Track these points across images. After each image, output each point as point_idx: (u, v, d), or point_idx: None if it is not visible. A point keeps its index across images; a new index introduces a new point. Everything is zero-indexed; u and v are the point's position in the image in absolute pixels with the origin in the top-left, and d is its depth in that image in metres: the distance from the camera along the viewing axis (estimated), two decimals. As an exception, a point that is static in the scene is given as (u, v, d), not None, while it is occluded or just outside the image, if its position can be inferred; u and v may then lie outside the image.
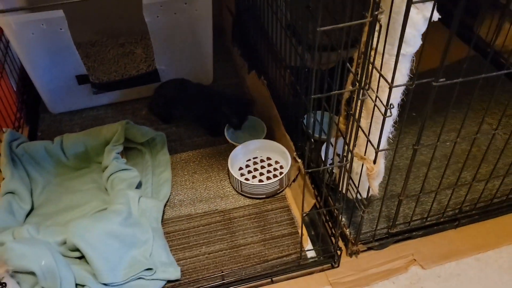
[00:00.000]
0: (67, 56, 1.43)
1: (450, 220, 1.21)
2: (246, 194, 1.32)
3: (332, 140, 1.08)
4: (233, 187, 1.35)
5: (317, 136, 1.31)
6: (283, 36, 1.32)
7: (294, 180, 1.35)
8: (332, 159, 1.15)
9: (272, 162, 1.40)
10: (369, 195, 1.05)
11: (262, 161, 1.40)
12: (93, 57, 1.78)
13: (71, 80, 1.51)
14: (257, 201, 1.31)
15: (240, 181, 1.29)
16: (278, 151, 1.39)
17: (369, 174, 0.96)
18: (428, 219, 1.18)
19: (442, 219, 1.19)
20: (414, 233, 1.20)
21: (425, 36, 0.82)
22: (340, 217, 1.11)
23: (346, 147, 0.97)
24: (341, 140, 1.01)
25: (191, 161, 1.43)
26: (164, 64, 1.57)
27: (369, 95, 0.88)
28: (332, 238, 1.16)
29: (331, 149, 1.09)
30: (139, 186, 1.29)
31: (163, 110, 1.55)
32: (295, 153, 1.34)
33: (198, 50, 1.60)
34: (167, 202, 1.30)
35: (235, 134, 1.50)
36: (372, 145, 0.94)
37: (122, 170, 1.26)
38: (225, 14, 1.96)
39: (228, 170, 1.38)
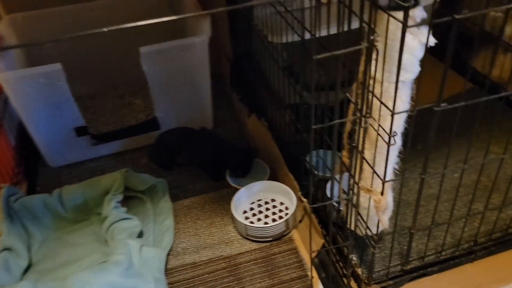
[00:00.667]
0: (65, 109, 1.43)
1: (465, 253, 1.16)
2: (252, 238, 1.27)
3: (337, 176, 1.05)
4: (238, 232, 1.31)
5: (321, 174, 1.28)
6: (281, 76, 1.32)
7: (300, 221, 1.31)
8: (338, 195, 1.12)
9: (277, 203, 1.36)
10: (379, 230, 1.01)
11: (266, 203, 1.37)
12: (92, 109, 1.79)
13: (70, 132, 1.50)
14: (264, 244, 1.26)
15: (245, 225, 1.25)
16: (282, 192, 1.35)
17: (377, 206, 0.92)
18: (443, 253, 1.12)
19: (457, 252, 1.14)
20: (429, 269, 1.14)
21: (423, 63, 0.81)
22: (350, 256, 1.06)
23: (351, 180, 0.94)
24: (346, 175, 0.99)
25: (194, 207, 1.40)
26: (163, 111, 1.57)
27: (371, 124, 0.86)
28: (344, 279, 1.11)
29: (336, 186, 1.06)
30: (140, 235, 1.25)
31: (166, 158, 1.53)
32: (299, 193, 1.31)
33: (196, 96, 1.60)
34: (170, 250, 1.25)
35: (237, 178, 1.47)
36: (379, 176, 0.91)
37: (123, 219, 1.22)
38: (223, 60, 1.99)
39: (232, 214, 1.34)
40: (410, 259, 1.10)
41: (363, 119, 0.83)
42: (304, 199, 1.28)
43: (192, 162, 1.52)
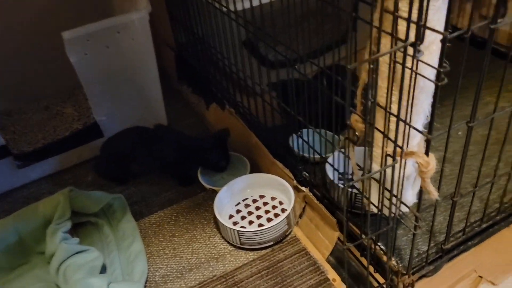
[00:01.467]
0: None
1: (503, 218, 0.98)
2: (248, 246, 1.01)
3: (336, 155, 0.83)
4: (228, 242, 1.04)
5: (314, 156, 1.05)
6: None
7: (301, 215, 1.07)
8: (350, 174, 0.89)
9: (267, 199, 1.11)
10: (418, 203, 0.80)
11: (255, 201, 1.11)
12: (11, 127, 1.43)
13: (-14, 156, 1.16)
14: (264, 251, 1.01)
15: (236, 231, 0.99)
16: (272, 184, 1.11)
17: (423, 172, 0.70)
18: (484, 219, 0.94)
19: (498, 217, 0.96)
20: (469, 243, 0.95)
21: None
22: (388, 244, 0.83)
23: (375, 148, 0.72)
24: (359, 149, 0.78)
25: (165, 223, 1.11)
26: (104, 114, 1.27)
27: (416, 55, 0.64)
28: (376, 275, 0.89)
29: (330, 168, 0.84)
30: (103, 270, 0.95)
31: (117, 169, 1.23)
32: (294, 181, 1.07)
33: (144, 91, 1.32)
34: (146, 282, 0.96)
35: (211, 178, 1.20)
36: (421, 132, 0.70)
37: (77, 253, 0.92)
38: (165, 51, 1.71)
39: (215, 222, 1.07)
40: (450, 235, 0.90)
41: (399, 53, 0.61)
42: (303, 188, 1.04)
43: (151, 169, 1.24)
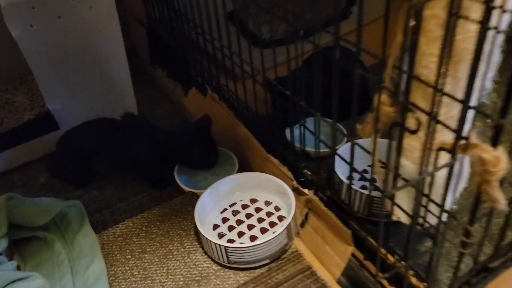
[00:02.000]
0: None
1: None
2: (238, 265, 0.80)
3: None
4: (213, 259, 0.83)
5: (318, 150, 0.84)
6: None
7: (303, 224, 0.86)
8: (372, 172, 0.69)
9: (260, 204, 0.90)
10: (472, 214, 0.60)
11: (245, 206, 0.90)
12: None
13: None
14: (258, 271, 0.80)
15: (223, 247, 0.78)
16: (266, 186, 0.90)
17: (491, 173, 0.50)
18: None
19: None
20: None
21: None
22: (431, 270, 0.64)
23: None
24: (381, 142, 0.58)
25: (134, 235, 0.90)
26: (60, 101, 1.04)
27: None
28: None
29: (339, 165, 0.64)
30: (52, 301, 0.73)
31: (76, 169, 1.01)
32: (294, 182, 0.86)
33: (108, 74, 1.09)
34: (108, 315, 0.75)
35: (191, 178, 0.99)
36: (486, 115, 0.50)
37: (14, 282, 0.69)
38: (135, 28, 1.48)
39: (197, 233, 0.86)
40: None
41: None
42: (306, 190, 0.84)
43: (118, 169, 1.01)
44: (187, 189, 0.94)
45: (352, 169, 0.71)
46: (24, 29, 0.91)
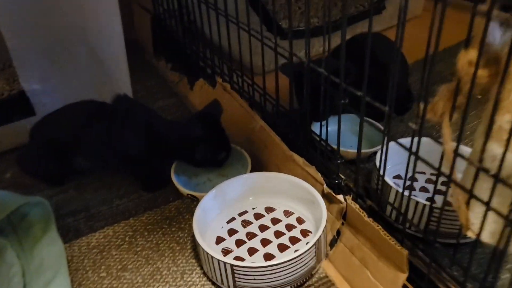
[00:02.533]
0: None
1: None
2: (247, 293, 0.60)
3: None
4: (214, 282, 0.62)
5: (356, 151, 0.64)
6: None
7: (333, 242, 0.66)
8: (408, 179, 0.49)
9: (278, 214, 0.70)
10: None
11: (259, 216, 0.70)
12: None
13: None
14: (274, 302, 0.59)
15: (229, 266, 0.57)
16: (288, 190, 0.70)
17: None
18: None
19: None
20: None
21: None
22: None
23: None
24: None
25: (113, 247, 0.69)
26: (38, 80, 0.86)
27: None
28: None
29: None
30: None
31: (52, 163, 0.81)
32: (325, 186, 0.66)
33: (100, 50, 0.91)
34: None
35: (191, 179, 0.79)
36: None
37: None
38: (139, 18, 1.31)
39: (195, 247, 0.66)
40: None
41: None
42: (341, 196, 0.63)
43: (103, 164, 0.82)
44: (185, 191, 0.74)
45: (417, 161, 0.51)
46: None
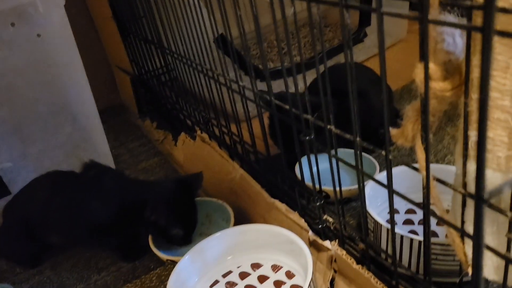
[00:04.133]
0: None
1: None
2: None
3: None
4: None
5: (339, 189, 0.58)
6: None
7: (329, 295, 0.58)
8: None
9: (266, 270, 0.63)
10: None
11: (244, 275, 0.63)
12: None
13: None
14: None
15: None
16: (273, 242, 0.63)
17: None
18: None
19: None
20: None
21: None
22: None
23: None
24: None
25: (89, 330, 0.63)
26: (9, 157, 0.83)
27: None
28: None
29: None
30: None
31: (25, 244, 0.76)
32: (310, 232, 0.59)
33: (72, 118, 0.88)
34: None
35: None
36: None
37: None
38: (121, 81, 1.30)
39: (174, 321, 0.59)
40: None
41: None
42: (328, 242, 0.57)
43: (76, 238, 0.76)
44: (165, 257, 0.68)
45: (392, 195, 0.44)
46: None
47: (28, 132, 0.84)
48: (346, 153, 0.62)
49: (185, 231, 0.68)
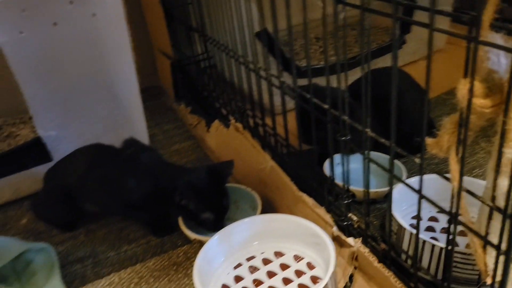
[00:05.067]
0: None
1: None
2: None
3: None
4: (217, 335, 0.59)
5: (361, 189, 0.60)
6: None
7: (346, 289, 0.61)
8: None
9: (288, 259, 0.66)
10: None
11: (267, 262, 0.66)
12: None
13: None
14: None
15: (230, 317, 0.54)
16: (297, 233, 0.66)
17: None
18: None
19: None
20: None
21: None
22: None
23: None
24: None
25: (117, 295, 0.67)
26: (54, 126, 0.88)
27: None
28: None
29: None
30: None
31: (63, 209, 0.81)
32: (334, 228, 0.62)
33: (114, 95, 0.93)
34: None
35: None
36: None
37: None
38: (161, 65, 1.34)
39: (198, 296, 0.63)
40: None
41: None
42: (351, 239, 0.59)
43: (111, 210, 0.81)
44: (192, 236, 0.72)
45: (421, 200, 0.47)
46: (12, 35, 0.77)
47: (73, 105, 0.88)
48: (375, 156, 0.64)
49: (215, 216, 0.71)
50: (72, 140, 0.90)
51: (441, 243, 0.55)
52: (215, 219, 0.71)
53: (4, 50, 0.77)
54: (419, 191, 0.46)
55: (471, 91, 0.36)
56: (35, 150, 0.88)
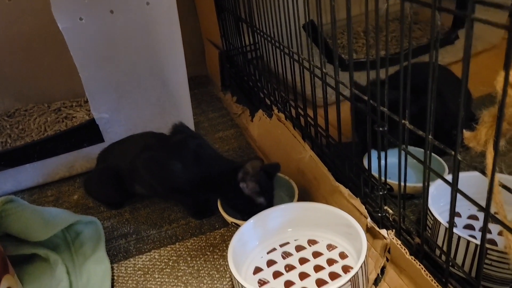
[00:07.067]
0: None
1: None
2: (279, 328, 0.57)
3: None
4: (247, 315, 0.61)
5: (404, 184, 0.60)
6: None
7: (377, 281, 0.61)
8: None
9: (321, 247, 0.67)
10: None
11: (300, 248, 0.68)
12: (7, 130, 1.14)
13: None
14: None
15: (261, 298, 0.56)
16: (331, 223, 0.67)
17: None
18: None
19: None
20: None
21: None
22: None
23: None
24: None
25: (157, 270, 0.71)
26: (107, 109, 0.93)
27: None
28: None
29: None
30: None
31: (114, 189, 0.85)
32: (369, 220, 0.63)
33: (163, 81, 0.96)
34: None
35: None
36: None
37: None
38: (210, 54, 1.38)
39: (232, 278, 0.65)
40: None
41: None
42: (385, 231, 0.60)
43: (156, 193, 0.85)
44: (230, 219, 0.74)
45: (455, 195, 0.46)
46: (72, 21, 0.82)
47: (124, 90, 0.93)
48: (415, 151, 0.63)
49: (268, 203, 0.73)
50: (122, 123, 0.95)
51: (477, 240, 0.54)
52: (267, 205, 0.73)
53: (64, 35, 0.82)
54: (452, 184, 0.45)
55: (506, 80, 0.36)
56: (89, 132, 0.94)
